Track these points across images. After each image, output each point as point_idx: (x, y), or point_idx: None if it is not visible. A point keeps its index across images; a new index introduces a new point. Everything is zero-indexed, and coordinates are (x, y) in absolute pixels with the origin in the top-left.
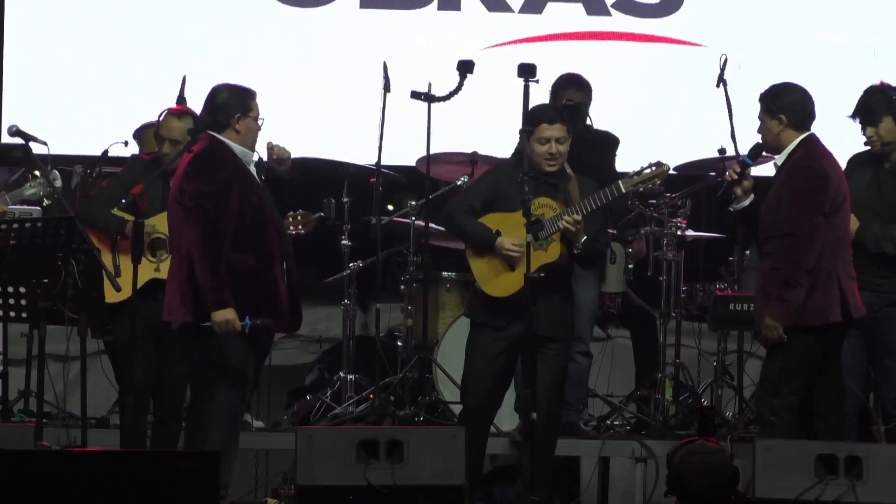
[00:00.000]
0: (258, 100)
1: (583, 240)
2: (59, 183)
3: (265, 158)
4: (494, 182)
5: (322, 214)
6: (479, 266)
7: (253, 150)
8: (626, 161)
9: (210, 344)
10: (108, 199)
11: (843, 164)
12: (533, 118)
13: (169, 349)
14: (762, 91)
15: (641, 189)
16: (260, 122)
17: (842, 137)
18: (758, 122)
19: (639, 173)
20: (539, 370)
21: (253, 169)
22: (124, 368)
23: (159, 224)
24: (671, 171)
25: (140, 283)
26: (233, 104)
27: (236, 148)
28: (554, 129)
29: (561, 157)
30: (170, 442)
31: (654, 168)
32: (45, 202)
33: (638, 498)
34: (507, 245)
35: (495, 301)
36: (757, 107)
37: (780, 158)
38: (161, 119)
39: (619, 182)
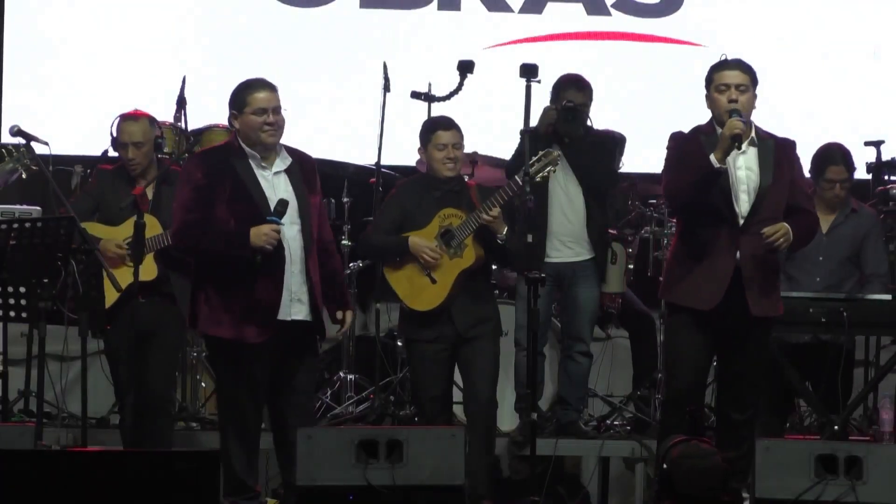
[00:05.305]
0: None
1: (504, 230)
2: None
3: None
4: (399, 203)
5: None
6: (401, 284)
7: (266, 145)
8: (627, 161)
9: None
10: (78, 214)
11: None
12: (429, 127)
13: (151, 347)
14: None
15: (538, 179)
16: (261, 114)
17: (842, 136)
18: (757, 124)
19: (532, 165)
20: (474, 366)
21: (280, 166)
22: (118, 370)
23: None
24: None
25: (124, 286)
26: (231, 104)
27: (246, 150)
28: (449, 135)
29: (459, 161)
30: (159, 438)
31: (542, 156)
32: (24, 175)
33: (638, 498)
34: (423, 244)
35: (423, 315)
36: (756, 106)
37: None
38: (117, 127)
39: (515, 177)
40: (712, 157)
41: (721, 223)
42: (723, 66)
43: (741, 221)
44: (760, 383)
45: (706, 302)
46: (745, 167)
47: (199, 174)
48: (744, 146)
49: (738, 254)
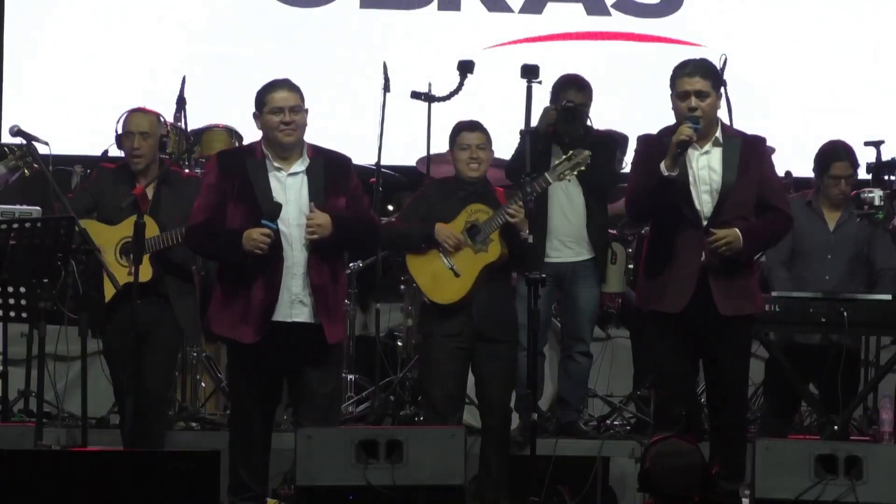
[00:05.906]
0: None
1: (527, 229)
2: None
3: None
4: (426, 199)
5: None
6: (424, 277)
7: (283, 144)
8: (627, 161)
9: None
10: (74, 211)
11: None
12: (455, 129)
13: (146, 348)
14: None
15: (569, 179)
16: (277, 113)
17: (842, 136)
18: (757, 124)
19: (561, 163)
20: (491, 370)
21: (298, 167)
22: (116, 371)
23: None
24: None
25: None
26: (254, 104)
27: (264, 150)
28: (473, 136)
29: (483, 162)
30: (152, 437)
31: (573, 156)
32: (27, 172)
33: (638, 498)
34: (448, 231)
35: (444, 309)
36: (757, 106)
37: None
38: (124, 119)
39: (546, 174)
40: (662, 165)
41: (685, 225)
42: (683, 70)
43: (704, 222)
44: (746, 382)
45: (674, 305)
46: (707, 167)
47: (212, 175)
48: (707, 146)
49: (703, 255)
